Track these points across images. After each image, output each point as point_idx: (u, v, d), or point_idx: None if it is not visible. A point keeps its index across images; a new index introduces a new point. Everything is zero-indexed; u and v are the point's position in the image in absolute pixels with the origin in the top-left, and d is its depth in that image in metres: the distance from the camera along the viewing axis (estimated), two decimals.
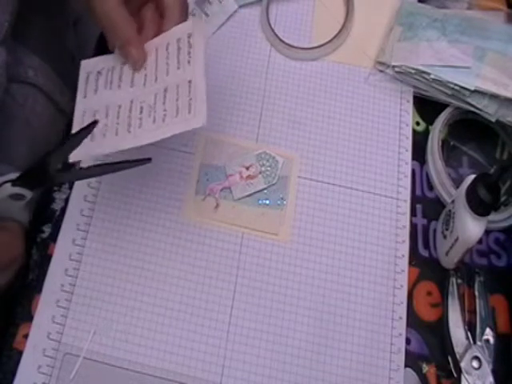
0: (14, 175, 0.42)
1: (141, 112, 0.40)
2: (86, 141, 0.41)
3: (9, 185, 0.40)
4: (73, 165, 0.42)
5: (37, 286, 0.48)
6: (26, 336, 0.47)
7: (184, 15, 0.44)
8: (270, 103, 0.58)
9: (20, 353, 0.46)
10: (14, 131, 0.50)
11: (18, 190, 0.41)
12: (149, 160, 0.41)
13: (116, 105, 0.42)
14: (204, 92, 0.39)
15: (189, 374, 0.47)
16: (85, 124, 0.41)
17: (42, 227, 0.51)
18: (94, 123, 0.41)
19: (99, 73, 0.44)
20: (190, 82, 0.40)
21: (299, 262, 0.51)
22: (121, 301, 0.48)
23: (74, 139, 0.41)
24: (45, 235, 0.51)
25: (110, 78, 0.44)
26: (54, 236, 0.50)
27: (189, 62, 0.41)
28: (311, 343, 0.48)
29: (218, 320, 0.48)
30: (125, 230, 0.51)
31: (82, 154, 0.41)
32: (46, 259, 0.49)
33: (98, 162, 0.43)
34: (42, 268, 0.49)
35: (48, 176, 0.41)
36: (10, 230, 0.43)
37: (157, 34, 0.44)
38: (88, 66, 0.45)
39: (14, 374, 0.46)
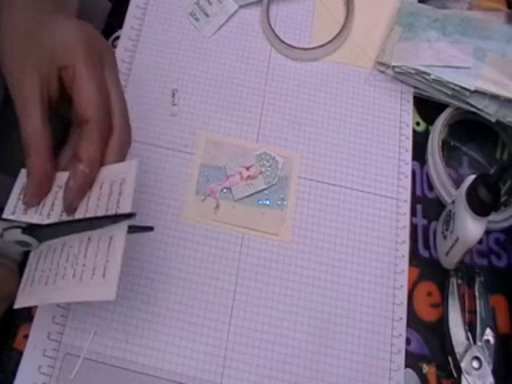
0: (23, 222, 0.42)
1: (67, 260, 0.40)
2: (21, 286, 0.41)
3: (19, 231, 0.40)
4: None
5: None
6: (26, 336, 0.47)
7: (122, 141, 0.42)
8: (270, 103, 0.58)
9: (20, 353, 0.47)
10: (13, 139, 0.49)
11: (27, 238, 0.41)
12: (151, 229, 0.42)
13: (53, 248, 0.41)
14: (120, 256, 0.39)
15: (189, 374, 0.47)
16: None
17: None
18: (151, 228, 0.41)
19: None
20: (111, 238, 0.40)
21: (299, 262, 0.51)
22: (121, 301, 0.48)
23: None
24: None
25: (43, 203, 0.42)
26: None
27: (116, 212, 0.40)
28: (311, 343, 0.48)
29: (218, 320, 0.48)
30: None
31: (23, 302, 0.41)
32: None
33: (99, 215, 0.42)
34: None
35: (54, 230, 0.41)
36: (8, 267, 0.43)
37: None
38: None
39: (14, 374, 0.46)
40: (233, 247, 0.51)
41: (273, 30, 0.60)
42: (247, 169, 0.54)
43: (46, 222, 0.41)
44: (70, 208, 0.41)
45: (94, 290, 0.39)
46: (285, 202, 0.53)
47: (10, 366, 0.46)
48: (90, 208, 0.41)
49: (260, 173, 0.54)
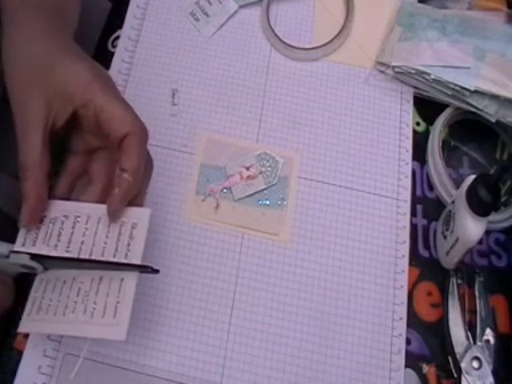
0: (30, 246, 0.43)
1: (77, 295, 0.41)
2: (26, 311, 0.42)
3: (27, 257, 0.41)
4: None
5: None
6: (26, 336, 0.47)
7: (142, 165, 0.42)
8: (270, 103, 0.58)
9: (20, 353, 0.47)
10: (11, 136, 0.49)
11: (34, 264, 0.42)
12: (157, 271, 0.42)
13: (62, 280, 0.43)
14: (131, 299, 0.41)
15: (189, 374, 0.47)
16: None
17: None
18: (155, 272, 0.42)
19: (51, 222, 0.43)
20: (122, 280, 0.41)
21: (299, 262, 0.51)
22: None
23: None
24: None
25: (50, 234, 0.42)
26: None
27: (126, 255, 0.41)
28: (311, 343, 0.48)
29: (217, 320, 0.48)
30: None
31: (28, 327, 0.42)
32: None
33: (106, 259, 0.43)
34: None
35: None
36: (5, 282, 0.44)
37: (104, 187, 0.43)
38: None
39: (14, 374, 0.46)
40: (233, 247, 0.51)
41: (273, 30, 0.60)
42: (247, 169, 0.54)
43: (53, 253, 0.41)
44: (113, 216, 0.42)
45: (105, 329, 0.40)
46: (285, 202, 0.53)
47: (10, 366, 0.46)
48: (97, 243, 0.42)
49: (260, 173, 0.54)
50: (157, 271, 0.41)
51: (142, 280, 0.49)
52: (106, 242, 0.42)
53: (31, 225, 0.42)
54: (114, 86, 0.43)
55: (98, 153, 0.45)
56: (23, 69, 0.41)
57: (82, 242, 0.42)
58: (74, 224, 0.42)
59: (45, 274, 0.43)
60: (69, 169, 0.44)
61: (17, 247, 0.42)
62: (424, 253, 0.52)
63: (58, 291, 0.42)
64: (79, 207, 0.43)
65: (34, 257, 0.41)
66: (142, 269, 0.41)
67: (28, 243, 0.42)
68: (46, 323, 0.41)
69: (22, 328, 0.41)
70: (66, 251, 0.42)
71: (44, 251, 0.41)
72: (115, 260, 0.41)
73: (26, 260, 0.41)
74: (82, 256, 0.41)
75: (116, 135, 0.41)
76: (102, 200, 0.43)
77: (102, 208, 0.42)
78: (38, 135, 0.40)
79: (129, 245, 0.41)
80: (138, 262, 0.41)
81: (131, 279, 0.41)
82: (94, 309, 0.41)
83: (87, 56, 0.44)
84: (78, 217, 0.43)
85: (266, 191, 0.53)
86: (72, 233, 0.42)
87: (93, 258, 0.41)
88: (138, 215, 0.42)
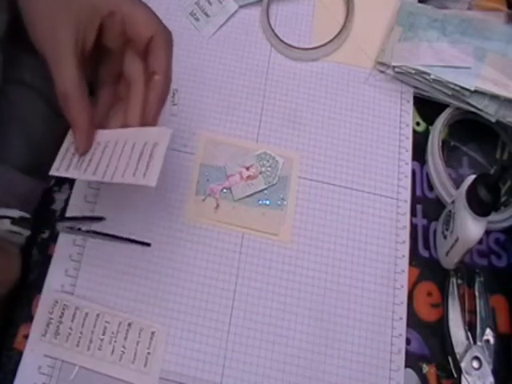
0: (16, 212, 0.44)
1: (103, 333, 0.45)
2: (41, 329, 0.46)
3: (8, 221, 0.42)
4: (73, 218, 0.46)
5: (37, 286, 0.48)
6: (26, 336, 0.47)
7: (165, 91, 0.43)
8: (270, 103, 0.58)
9: (20, 353, 0.46)
10: (11, 131, 0.50)
11: (16, 228, 0.43)
12: (148, 245, 0.47)
13: (83, 311, 0.46)
14: (162, 352, 0.45)
15: (189, 374, 0.47)
16: None
17: (42, 228, 0.51)
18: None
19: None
20: (153, 333, 0.46)
21: (299, 262, 0.51)
22: (120, 301, 0.48)
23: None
24: (45, 235, 0.51)
25: (82, 159, 0.44)
26: (54, 236, 0.50)
27: (144, 175, 0.42)
28: (311, 343, 0.48)
29: (218, 320, 0.48)
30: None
31: (48, 351, 0.46)
32: (46, 259, 0.49)
33: (99, 230, 0.46)
34: (42, 268, 0.49)
35: (49, 221, 0.43)
36: (8, 251, 0.44)
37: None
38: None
39: (14, 374, 0.46)
40: (233, 247, 0.51)
41: (273, 30, 0.60)
42: (247, 169, 0.54)
43: (82, 177, 0.42)
44: (152, 121, 0.43)
45: (135, 375, 0.44)
46: (285, 202, 0.53)
47: (10, 366, 0.46)
48: (119, 166, 0.42)
49: (260, 173, 0.54)
50: (148, 244, 0.44)
51: (141, 280, 0.49)
52: (128, 163, 0.42)
53: (87, 148, 0.43)
54: None
55: (128, 52, 0.45)
56: (44, 1, 0.41)
57: (107, 166, 0.42)
58: (104, 149, 0.43)
59: (59, 296, 0.46)
60: (101, 99, 0.45)
61: (52, 172, 0.43)
62: (424, 253, 0.52)
63: (79, 322, 0.45)
64: (111, 133, 0.44)
65: (15, 221, 0.42)
66: (137, 243, 0.43)
67: (62, 168, 0.43)
68: (71, 353, 0.45)
69: (39, 349, 0.44)
70: (93, 174, 0.42)
71: (74, 175, 0.43)
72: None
73: (8, 225, 0.41)
74: (106, 179, 0.42)
75: (142, 40, 0.42)
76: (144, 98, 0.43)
77: (131, 132, 0.43)
78: (72, 60, 0.40)
79: (148, 166, 0.42)
80: (154, 181, 0.41)
81: (162, 331, 0.46)
82: (124, 353, 0.44)
83: None
84: (108, 141, 0.43)
85: (266, 191, 0.53)
86: (100, 157, 0.43)
87: (114, 181, 0.42)
88: (159, 135, 0.43)
